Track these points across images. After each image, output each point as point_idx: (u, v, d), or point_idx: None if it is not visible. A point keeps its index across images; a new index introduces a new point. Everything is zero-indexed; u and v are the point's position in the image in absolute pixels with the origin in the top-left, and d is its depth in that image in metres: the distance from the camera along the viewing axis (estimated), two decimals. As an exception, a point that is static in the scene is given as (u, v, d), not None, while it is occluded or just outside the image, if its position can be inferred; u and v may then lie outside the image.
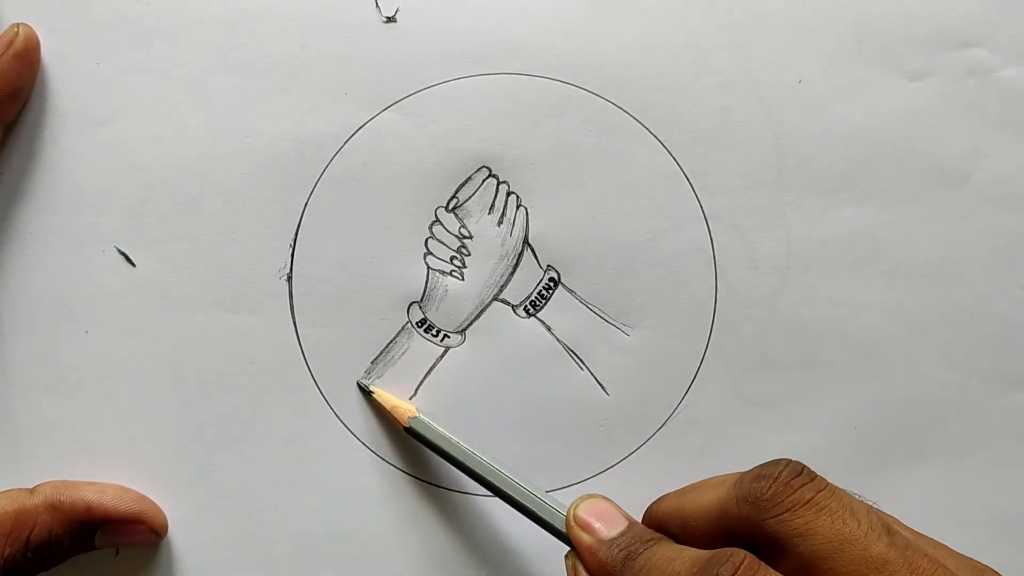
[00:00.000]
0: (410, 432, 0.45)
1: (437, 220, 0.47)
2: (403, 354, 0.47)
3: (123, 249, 0.47)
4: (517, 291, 0.48)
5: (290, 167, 0.47)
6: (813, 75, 0.48)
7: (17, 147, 0.46)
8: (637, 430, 0.48)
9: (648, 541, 0.38)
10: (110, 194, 0.46)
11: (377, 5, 0.47)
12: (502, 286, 0.48)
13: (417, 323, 0.47)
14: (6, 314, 0.46)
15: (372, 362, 0.47)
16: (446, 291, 0.47)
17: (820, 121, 0.48)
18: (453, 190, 0.47)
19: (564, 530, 0.41)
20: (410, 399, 0.47)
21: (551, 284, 0.48)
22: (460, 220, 0.48)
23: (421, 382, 0.47)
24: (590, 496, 0.42)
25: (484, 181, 0.47)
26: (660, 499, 0.42)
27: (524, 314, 0.48)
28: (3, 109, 0.45)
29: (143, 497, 0.46)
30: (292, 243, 0.47)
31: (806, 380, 0.48)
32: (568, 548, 0.41)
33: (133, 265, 0.47)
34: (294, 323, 0.47)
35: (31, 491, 0.44)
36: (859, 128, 0.48)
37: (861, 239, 0.48)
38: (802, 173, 0.48)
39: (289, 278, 0.47)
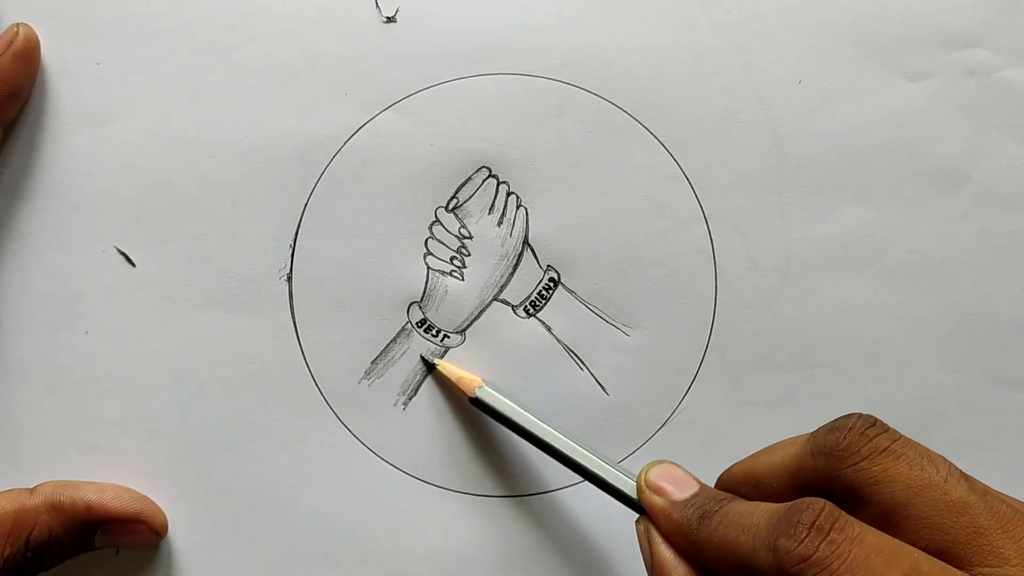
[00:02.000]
0: (476, 403, 0.45)
1: (437, 220, 0.47)
2: (403, 354, 0.47)
3: (123, 249, 0.47)
4: (517, 291, 0.48)
5: (290, 167, 0.47)
6: (813, 75, 0.48)
7: (17, 147, 0.46)
8: (637, 430, 0.48)
9: (722, 500, 0.38)
10: (110, 194, 0.46)
11: (377, 5, 0.47)
12: (502, 286, 0.48)
13: (417, 323, 0.47)
14: (6, 314, 0.46)
15: (372, 362, 0.47)
16: (446, 291, 0.47)
17: (820, 121, 0.48)
18: (453, 190, 0.47)
19: (634, 496, 0.41)
20: (410, 399, 0.47)
21: (551, 284, 0.48)
22: (460, 220, 0.48)
23: (421, 382, 0.47)
24: (660, 462, 0.41)
25: (484, 181, 0.47)
26: (729, 468, 0.42)
27: (524, 314, 0.48)
28: (3, 109, 0.45)
29: (143, 497, 0.46)
30: (292, 243, 0.47)
31: (806, 380, 0.48)
32: (638, 516, 0.41)
33: (133, 265, 0.47)
34: (294, 323, 0.47)
35: (31, 491, 0.44)
36: (859, 128, 0.48)
37: (861, 239, 0.48)
38: (802, 173, 0.48)
39: (289, 278, 0.47)
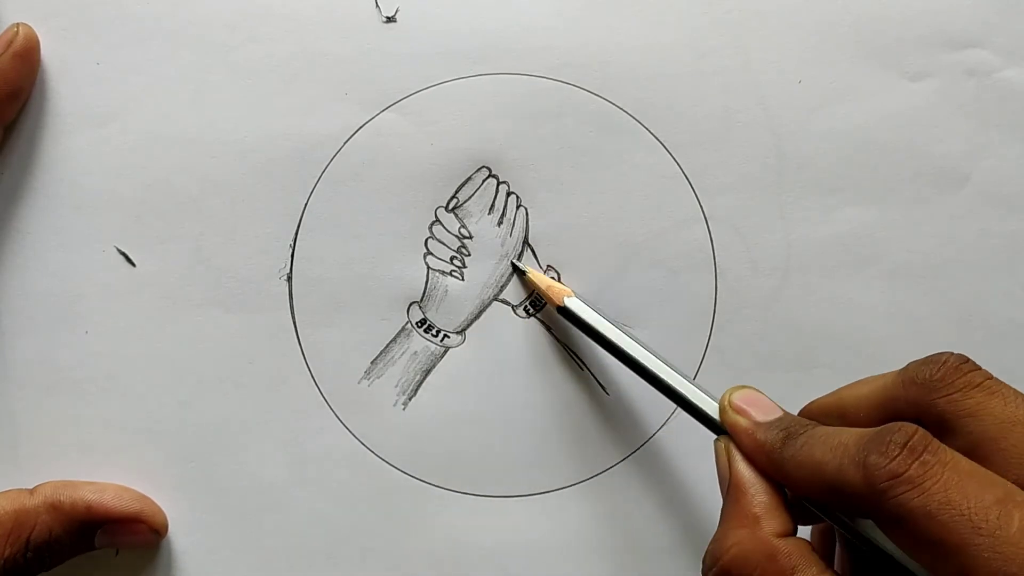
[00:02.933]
0: (563, 312, 0.45)
1: (437, 220, 0.47)
2: (403, 354, 0.47)
3: (123, 249, 0.47)
4: (517, 291, 0.48)
5: (290, 167, 0.47)
6: (813, 75, 0.48)
7: (17, 147, 0.46)
8: (637, 430, 0.48)
9: (807, 424, 0.38)
10: (110, 194, 0.46)
11: (377, 5, 0.47)
12: (502, 286, 0.48)
13: (417, 323, 0.47)
14: (6, 314, 0.46)
15: (372, 362, 0.47)
16: (446, 291, 0.47)
17: (820, 121, 0.48)
18: (453, 190, 0.47)
19: (715, 416, 0.41)
20: (410, 399, 0.47)
21: (551, 284, 0.48)
22: (460, 220, 0.48)
23: (421, 382, 0.47)
24: (744, 386, 0.41)
25: (484, 181, 0.47)
26: (812, 401, 0.42)
27: (524, 314, 0.48)
28: (3, 109, 0.45)
29: (143, 497, 0.46)
30: (292, 243, 0.47)
31: (805, 380, 0.48)
32: (716, 437, 0.41)
33: (133, 265, 0.47)
34: (294, 323, 0.47)
35: (31, 491, 0.44)
36: (859, 128, 0.48)
37: (861, 239, 0.48)
38: (802, 173, 0.48)
39: (289, 278, 0.47)
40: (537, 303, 0.48)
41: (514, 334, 0.48)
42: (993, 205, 0.48)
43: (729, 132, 0.48)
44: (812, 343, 0.48)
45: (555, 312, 0.46)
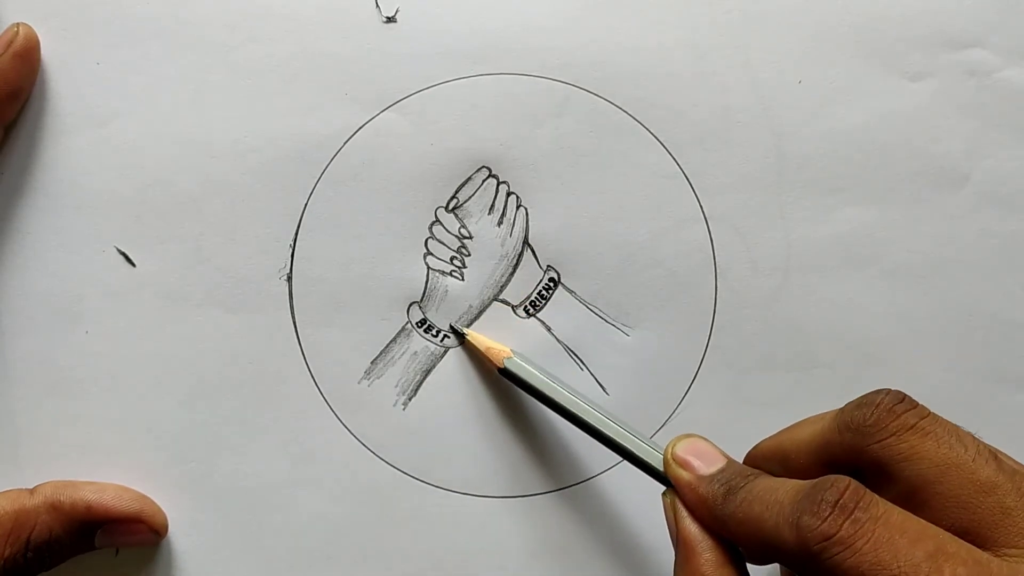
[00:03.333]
0: (504, 373, 0.45)
1: (437, 220, 0.47)
2: (403, 354, 0.47)
3: (123, 249, 0.47)
4: (517, 291, 0.48)
5: (290, 167, 0.47)
6: (813, 75, 0.48)
7: (17, 147, 0.46)
8: (641, 432, 0.48)
9: (748, 476, 0.38)
10: (110, 194, 0.46)
11: (377, 5, 0.47)
12: (502, 286, 0.48)
13: (417, 323, 0.47)
14: (6, 314, 0.46)
15: (372, 362, 0.47)
16: (446, 291, 0.47)
17: (820, 121, 0.48)
18: (453, 190, 0.47)
19: (661, 469, 0.41)
20: (410, 399, 0.47)
21: (551, 284, 0.48)
22: (460, 220, 0.48)
23: (421, 382, 0.47)
24: (688, 435, 0.41)
25: (484, 181, 0.47)
26: (757, 444, 0.42)
27: (524, 314, 0.48)
28: (3, 109, 0.45)
29: (143, 497, 0.46)
30: (292, 243, 0.47)
31: (805, 380, 0.48)
32: (664, 488, 0.41)
33: (133, 265, 0.47)
34: (294, 323, 0.47)
35: (31, 491, 0.44)
36: (859, 128, 0.48)
37: (861, 239, 0.48)
38: (802, 173, 0.48)
39: (289, 278, 0.47)
40: (537, 303, 0.48)
41: (514, 334, 0.48)
42: (993, 205, 0.48)
43: (729, 132, 0.48)
44: (812, 343, 0.48)
45: (497, 373, 0.46)
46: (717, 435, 0.47)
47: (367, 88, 0.47)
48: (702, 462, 0.40)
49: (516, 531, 0.47)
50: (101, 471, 0.46)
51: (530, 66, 0.48)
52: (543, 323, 0.48)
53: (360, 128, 0.47)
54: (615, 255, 0.48)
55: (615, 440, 0.43)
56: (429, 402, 0.47)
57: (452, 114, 0.47)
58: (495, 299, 0.48)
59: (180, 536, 0.46)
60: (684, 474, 0.40)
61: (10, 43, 0.45)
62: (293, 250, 0.47)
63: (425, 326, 0.47)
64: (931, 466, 0.35)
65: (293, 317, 0.47)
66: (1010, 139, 0.48)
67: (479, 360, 0.47)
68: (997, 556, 0.33)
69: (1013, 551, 0.33)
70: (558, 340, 0.48)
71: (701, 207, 0.48)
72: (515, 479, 0.47)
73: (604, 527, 0.47)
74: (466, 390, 0.47)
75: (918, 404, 0.37)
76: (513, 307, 0.48)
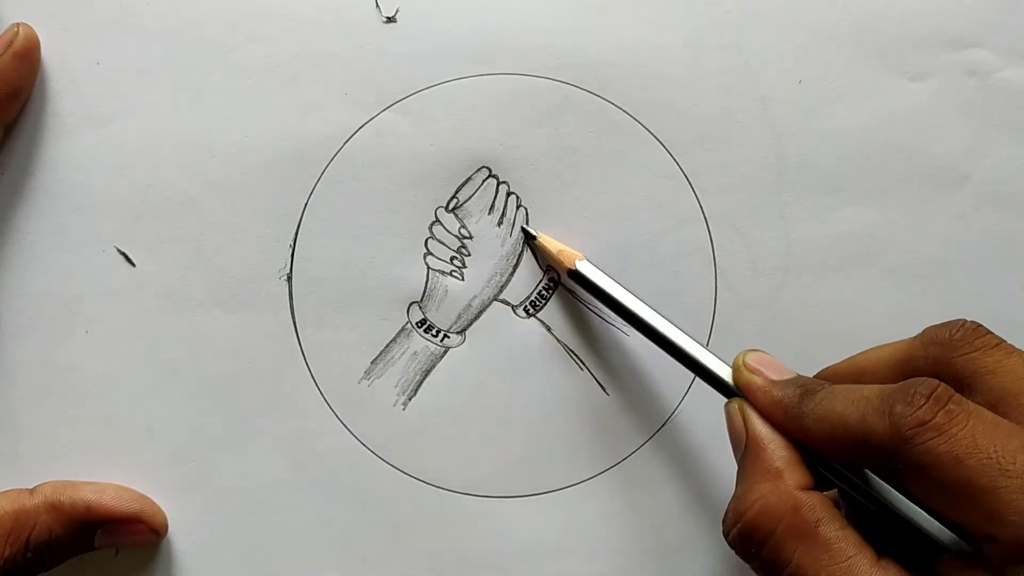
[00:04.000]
0: (574, 276, 0.45)
1: (437, 220, 0.47)
2: (403, 354, 0.47)
3: (123, 249, 0.47)
4: (517, 291, 0.48)
5: (290, 167, 0.47)
6: (813, 75, 0.48)
7: (17, 147, 0.46)
8: (637, 430, 0.48)
9: (823, 383, 0.38)
10: (110, 194, 0.46)
11: (377, 5, 0.47)
12: (502, 286, 0.48)
13: (417, 323, 0.47)
14: (6, 314, 0.46)
15: (372, 362, 0.47)
16: (446, 291, 0.47)
17: (820, 121, 0.48)
18: (453, 190, 0.47)
19: (727, 379, 0.41)
20: (410, 399, 0.47)
21: (551, 284, 0.48)
22: (460, 220, 0.48)
23: (421, 382, 0.47)
24: (755, 349, 0.42)
25: (484, 181, 0.47)
26: (826, 367, 0.42)
27: (524, 314, 0.48)
28: (3, 109, 0.45)
29: (143, 497, 0.46)
30: (292, 243, 0.47)
31: (806, 380, 0.48)
32: (728, 400, 0.41)
33: (133, 265, 0.47)
34: (294, 323, 0.47)
35: (31, 491, 0.44)
36: (859, 128, 0.48)
37: (861, 239, 0.48)
38: (802, 173, 0.48)
39: (289, 278, 0.47)
40: (537, 303, 0.48)
41: (514, 334, 0.48)
42: (993, 205, 0.48)
43: (729, 132, 0.48)
44: (812, 343, 0.48)
45: (567, 278, 0.46)
46: (717, 436, 0.47)
47: (367, 88, 0.47)
48: (772, 371, 0.40)
49: (516, 531, 0.47)
50: (101, 471, 0.46)
51: (530, 66, 0.48)
52: (543, 323, 0.48)
53: (360, 128, 0.47)
54: (615, 255, 0.48)
55: (684, 350, 0.43)
56: (429, 402, 0.47)
57: (452, 114, 0.47)
58: (495, 299, 0.48)
59: (180, 536, 0.46)
60: (757, 379, 0.40)
61: (10, 43, 0.45)
62: (293, 250, 0.47)
63: (425, 326, 0.47)
64: (1015, 379, 0.36)
65: (293, 317, 0.47)
66: (1010, 139, 0.48)
67: (479, 361, 0.47)
68: None
69: None
70: (558, 340, 0.48)
71: (701, 207, 0.48)
72: (515, 479, 0.47)
73: (604, 527, 0.47)
74: (466, 390, 0.47)
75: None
76: (513, 307, 0.48)
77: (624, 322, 0.46)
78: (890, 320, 0.48)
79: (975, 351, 0.37)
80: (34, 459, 0.46)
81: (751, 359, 0.41)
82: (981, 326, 0.38)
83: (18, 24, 0.46)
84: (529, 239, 0.47)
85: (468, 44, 0.47)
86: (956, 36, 0.48)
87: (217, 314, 0.47)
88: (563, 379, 0.48)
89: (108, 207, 0.46)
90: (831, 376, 0.42)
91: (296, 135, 0.47)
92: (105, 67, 0.47)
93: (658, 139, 0.48)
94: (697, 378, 0.43)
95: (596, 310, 0.48)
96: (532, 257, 0.48)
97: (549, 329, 0.48)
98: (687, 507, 0.47)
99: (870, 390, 0.36)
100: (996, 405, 0.36)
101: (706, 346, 0.43)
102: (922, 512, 0.36)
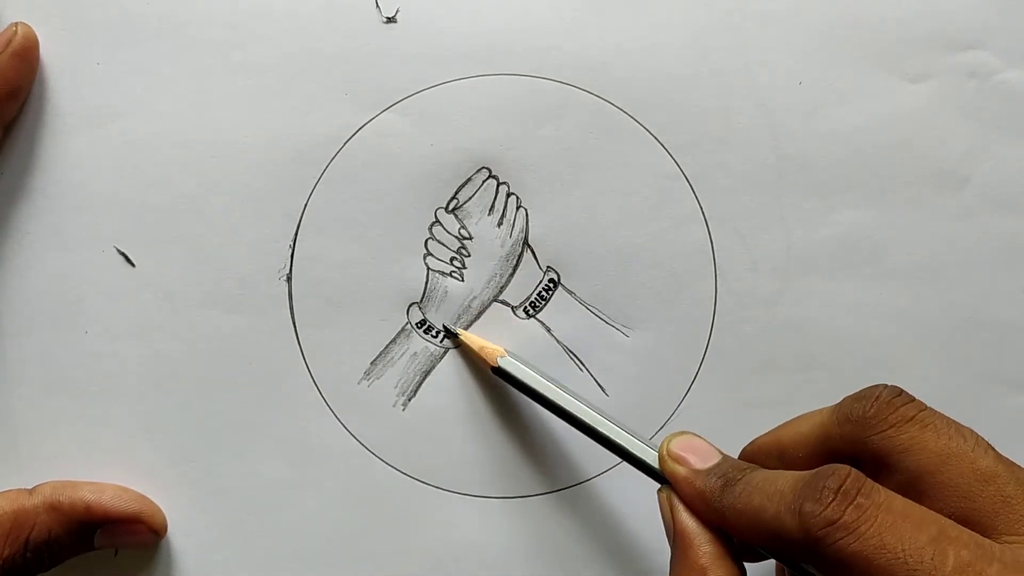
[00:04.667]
0: (498, 372, 0.45)
1: (437, 221, 0.47)
2: (403, 355, 0.47)
3: (123, 249, 0.47)
4: (517, 292, 0.48)
5: (290, 167, 0.47)
6: (813, 77, 0.48)
7: (17, 147, 0.46)
8: (637, 430, 0.48)
9: (745, 469, 0.38)
10: (110, 194, 0.46)
11: (377, 5, 0.47)
12: (502, 287, 0.48)
13: (417, 324, 0.47)
14: (6, 314, 0.46)
15: (372, 363, 0.47)
16: (446, 292, 0.47)
17: (820, 123, 0.48)
18: (453, 191, 0.47)
19: (656, 466, 0.41)
20: (409, 400, 0.47)
21: (551, 285, 0.48)
22: (460, 221, 0.48)
23: (421, 383, 0.47)
24: (682, 432, 0.41)
25: (484, 182, 0.47)
26: (752, 441, 0.42)
27: (524, 315, 0.48)
28: (2, 108, 0.45)
29: (142, 497, 0.46)
30: (292, 243, 0.47)
31: (805, 382, 0.48)
32: (659, 486, 0.41)
33: (133, 265, 0.47)
34: (294, 323, 0.47)
35: (30, 491, 0.44)
36: (859, 130, 0.48)
37: (861, 241, 0.48)
38: (802, 175, 0.48)
39: (289, 278, 0.47)
40: (537, 304, 0.48)
41: (514, 335, 0.48)
42: (993, 207, 0.48)
43: (729, 133, 0.48)
44: (812, 344, 0.48)
45: (491, 373, 0.46)
46: (717, 436, 0.47)
47: (367, 88, 0.47)
48: (698, 458, 0.40)
49: (515, 532, 0.47)
50: (101, 471, 0.46)
51: (530, 66, 0.48)
52: (543, 324, 0.48)
53: (360, 128, 0.47)
54: (615, 256, 0.48)
55: (610, 438, 0.43)
56: (428, 403, 0.47)
57: (452, 115, 0.47)
58: (495, 300, 0.48)
59: (180, 536, 0.46)
60: (680, 469, 0.40)
61: (9, 42, 0.45)
62: (293, 250, 0.47)
63: (425, 327, 0.47)
64: (931, 456, 0.35)
65: (293, 317, 0.47)
66: (1010, 141, 0.48)
67: (477, 361, 0.47)
68: (998, 544, 0.33)
69: (1014, 538, 0.34)
70: (558, 341, 0.48)
71: (701, 208, 0.48)
72: (514, 480, 0.47)
73: (602, 528, 0.47)
74: (465, 391, 0.47)
75: (915, 398, 0.37)
76: (513, 308, 0.48)
77: (623, 325, 0.46)
78: (890, 321, 0.48)
79: (889, 428, 0.36)
80: (34, 459, 0.46)
81: (675, 445, 0.41)
82: (899, 395, 0.37)
83: (17, 23, 0.46)
84: (452, 337, 0.47)
85: (468, 44, 0.47)
86: (956, 37, 0.48)
87: (217, 314, 0.47)
88: (563, 380, 0.48)
89: (108, 207, 0.46)
90: (754, 453, 0.41)
91: (296, 135, 0.47)
92: (105, 67, 0.47)
93: (658, 140, 0.48)
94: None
95: (596, 311, 0.48)
96: (532, 258, 0.48)
97: (549, 330, 0.48)
98: (686, 508, 0.47)
99: (784, 482, 0.36)
100: (914, 484, 0.35)
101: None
102: None
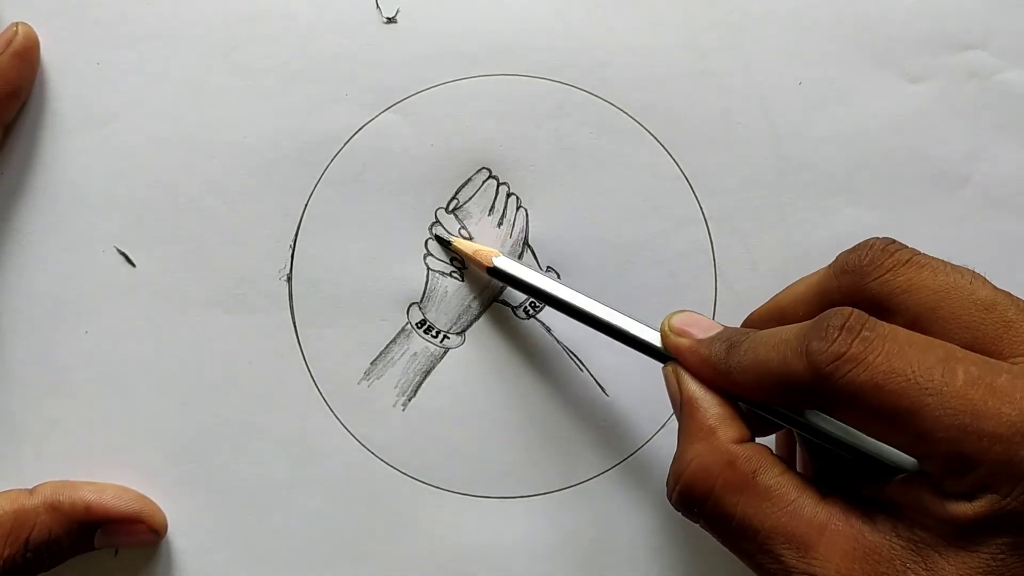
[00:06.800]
0: (494, 273, 0.45)
1: (437, 221, 0.47)
2: (403, 355, 0.47)
3: (123, 249, 0.47)
4: (517, 292, 0.48)
5: (290, 167, 0.47)
6: (813, 77, 0.48)
7: (17, 147, 0.46)
8: (636, 430, 0.48)
9: (747, 332, 0.38)
10: (110, 194, 0.46)
11: (377, 6, 0.47)
12: (502, 287, 0.48)
13: (417, 324, 0.47)
14: (6, 314, 0.46)
15: (372, 362, 0.47)
16: (446, 292, 0.47)
17: (820, 123, 0.48)
18: (453, 191, 0.47)
19: (659, 345, 0.41)
20: (409, 400, 0.47)
21: (551, 285, 0.48)
22: (460, 221, 0.48)
23: (421, 383, 0.47)
24: (681, 310, 0.42)
25: (484, 182, 0.47)
26: (751, 313, 0.43)
27: (524, 315, 0.48)
28: (2, 108, 0.45)
29: (142, 497, 0.46)
30: (292, 243, 0.47)
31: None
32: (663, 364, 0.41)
33: (133, 265, 0.47)
34: (294, 323, 0.47)
35: (30, 491, 0.44)
36: (859, 130, 0.48)
37: (860, 240, 0.48)
38: (802, 174, 0.48)
39: (289, 278, 0.47)
40: (537, 304, 0.48)
41: (514, 335, 0.48)
42: (993, 207, 0.48)
43: (729, 133, 0.48)
44: (812, 344, 0.48)
45: (486, 273, 0.46)
46: (716, 436, 0.47)
47: (367, 88, 0.47)
48: (699, 330, 0.40)
49: (516, 531, 0.47)
50: (101, 471, 0.46)
51: (530, 67, 0.48)
52: (543, 324, 0.48)
53: (360, 129, 0.47)
54: (615, 256, 0.48)
55: (610, 323, 0.43)
56: (429, 403, 0.47)
57: (452, 115, 0.47)
58: (495, 300, 0.48)
59: (180, 536, 0.46)
60: (684, 340, 0.40)
61: (9, 42, 0.45)
62: (293, 250, 0.47)
63: (425, 327, 0.47)
64: (930, 293, 0.36)
65: (293, 317, 0.47)
66: (1010, 141, 0.48)
67: (479, 361, 0.47)
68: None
69: (1019, 359, 0.34)
70: (558, 341, 0.48)
71: (701, 208, 0.48)
72: (514, 480, 0.47)
73: (603, 528, 0.47)
74: (465, 391, 0.47)
75: (908, 246, 0.37)
76: (513, 308, 0.48)
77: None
78: (889, 321, 0.48)
79: (886, 273, 0.37)
80: (34, 459, 0.46)
81: (676, 321, 0.41)
82: (892, 242, 0.37)
83: (17, 23, 0.46)
84: (443, 244, 0.47)
85: (468, 45, 0.47)
86: (957, 38, 0.48)
87: (217, 314, 0.47)
88: (563, 379, 0.48)
89: (108, 207, 0.46)
90: (756, 321, 0.42)
91: (296, 135, 0.47)
92: (105, 67, 0.47)
93: (658, 140, 0.48)
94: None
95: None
96: (532, 258, 0.48)
97: (549, 330, 0.48)
98: (686, 508, 0.47)
99: (788, 331, 0.36)
100: (916, 323, 0.35)
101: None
102: (867, 438, 0.36)
